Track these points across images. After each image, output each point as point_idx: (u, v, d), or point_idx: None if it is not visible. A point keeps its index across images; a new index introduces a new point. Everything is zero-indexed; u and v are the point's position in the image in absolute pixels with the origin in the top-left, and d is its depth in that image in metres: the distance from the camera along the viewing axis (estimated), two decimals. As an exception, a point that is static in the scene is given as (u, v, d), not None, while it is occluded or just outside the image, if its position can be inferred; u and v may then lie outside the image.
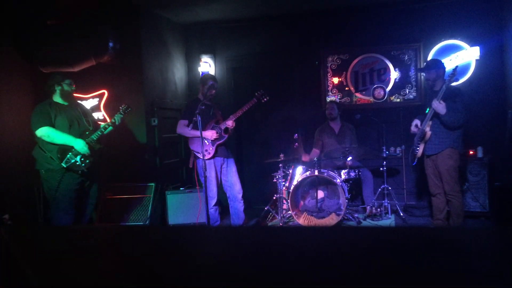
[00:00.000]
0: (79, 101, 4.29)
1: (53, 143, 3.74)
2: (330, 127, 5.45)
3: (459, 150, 4.08)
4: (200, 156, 4.35)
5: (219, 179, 4.60)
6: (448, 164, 4.02)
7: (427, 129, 4.03)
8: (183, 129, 4.51)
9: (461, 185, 4.21)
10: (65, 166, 3.74)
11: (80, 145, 3.79)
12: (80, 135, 3.86)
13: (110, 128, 4.00)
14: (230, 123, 4.45)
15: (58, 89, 3.93)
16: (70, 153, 3.76)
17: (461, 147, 4.13)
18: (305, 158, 5.30)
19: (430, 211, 4.69)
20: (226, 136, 4.49)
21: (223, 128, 4.47)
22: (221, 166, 4.57)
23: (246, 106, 4.50)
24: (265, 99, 4.59)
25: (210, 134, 4.39)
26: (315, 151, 5.40)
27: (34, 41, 4.74)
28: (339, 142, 5.29)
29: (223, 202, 5.27)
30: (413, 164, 4.32)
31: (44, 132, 3.74)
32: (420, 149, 4.16)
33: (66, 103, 3.97)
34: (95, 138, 3.88)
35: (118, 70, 5.13)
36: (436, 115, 3.95)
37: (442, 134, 4.01)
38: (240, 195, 4.64)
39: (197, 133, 4.29)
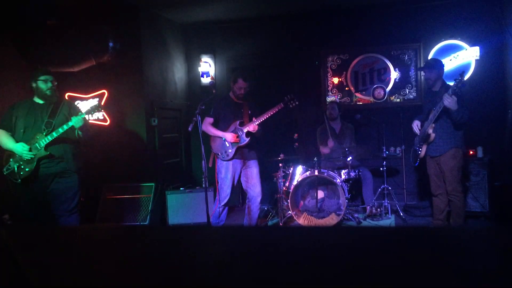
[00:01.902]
0: (65, 100, 3.87)
1: (3, 148, 3.58)
2: (331, 127, 5.44)
3: (462, 149, 4.08)
4: (220, 156, 4.32)
5: (236, 181, 4.47)
6: (451, 164, 4.02)
7: (430, 131, 4.01)
8: (208, 127, 4.36)
9: (463, 185, 4.19)
10: (5, 173, 3.56)
11: (19, 149, 3.50)
12: (29, 139, 3.55)
13: (64, 128, 3.54)
14: (252, 128, 4.26)
15: (33, 86, 3.63)
16: (12, 159, 3.55)
17: (464, 146, 4.14)
18: (325, 150, 5.29)
19: (431, 211, 4.68)
20: (248, 139, 4.30)
21: (245, 131, 4.30)
22: (241, 168, 4.44)
23: (271, 110, 4.28)
24: (293, 104, 4.33)
25: (230, 136, 4.27)
26: (324, 148, 5.38)
27: (34, 41, 4.74)
28: (339, 142, 5.29)
29: (230, 203, 5.26)
30: (416, 164, 4.31)
31: None
32: (423, 151, 4.15)
33: (42, 102, 3.67)
34: (42, 144, 3.52)
35: (118, 70, 5.13)
36: (440, 116, 3.92)
37: (446, 135, 3.99)
38: (259, 199, 4.46)
39: (219, 133, 4.28)
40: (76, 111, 3.71)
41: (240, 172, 4.46)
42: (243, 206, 4.79)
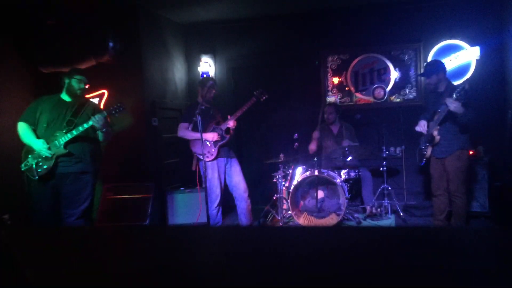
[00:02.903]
0: (90, 102, 3.92)
1: (23, 141, 3.59)
2: (329, 128, 5.44)
3: (468, 150, 4.07)
4: (204, 157, 4.36)
5: (223, 180, 4.59)
6: (456, 166, 4.00)
7: (435, 133, 4.00)
8: (184, 132, 4.54)
9: (466, 187, 4.16)
10: (22, 169, 3.56)
11: (38, 145, 3.50)
12: (50, 136, 3.55)
13: (85, 127, 3.55)
14: (231, 124, 4.48)
15: (66, 82, 3.67)
16: (30, 155, 3.54)
17: (470, 147, 4.14)
18: (312, 146, 5.29)
19: (432, 211, 4.68)
20: (228, 136, 4.51)
21: (224, 129, 4.50)
22: (225, 166, 4.59)
23: (245, 106, 4.53)
24: (264, 98, 4.62)
25: (212, 136, 4.42)
26: (312, 148, 5.35)
27: (34, 41, 4.74)
28: (337, 143, 5.29)
29: (230, 203, 5.25)
30: (421, 164, 4.30)
31: (18, 128, 3.60)
32: (428, 151, 4.15)
33: (69, 100, 3.71)
34: (61, 142, 3.52)
35: (118, 70, 5.13)
36: (446, 118, 3.91)
37: (451, 137, 3.98)
38: (246, 194, 4.64)
39: (198, 135, 4.30)
40: (100, 113, 3.69)
41: (225, 171, 4.58)
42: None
